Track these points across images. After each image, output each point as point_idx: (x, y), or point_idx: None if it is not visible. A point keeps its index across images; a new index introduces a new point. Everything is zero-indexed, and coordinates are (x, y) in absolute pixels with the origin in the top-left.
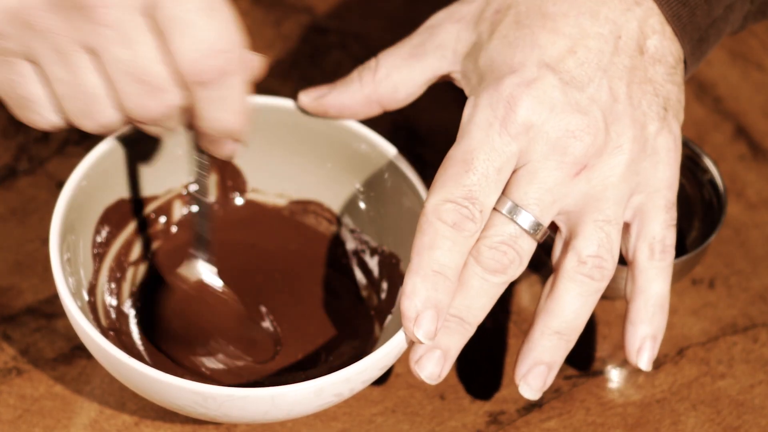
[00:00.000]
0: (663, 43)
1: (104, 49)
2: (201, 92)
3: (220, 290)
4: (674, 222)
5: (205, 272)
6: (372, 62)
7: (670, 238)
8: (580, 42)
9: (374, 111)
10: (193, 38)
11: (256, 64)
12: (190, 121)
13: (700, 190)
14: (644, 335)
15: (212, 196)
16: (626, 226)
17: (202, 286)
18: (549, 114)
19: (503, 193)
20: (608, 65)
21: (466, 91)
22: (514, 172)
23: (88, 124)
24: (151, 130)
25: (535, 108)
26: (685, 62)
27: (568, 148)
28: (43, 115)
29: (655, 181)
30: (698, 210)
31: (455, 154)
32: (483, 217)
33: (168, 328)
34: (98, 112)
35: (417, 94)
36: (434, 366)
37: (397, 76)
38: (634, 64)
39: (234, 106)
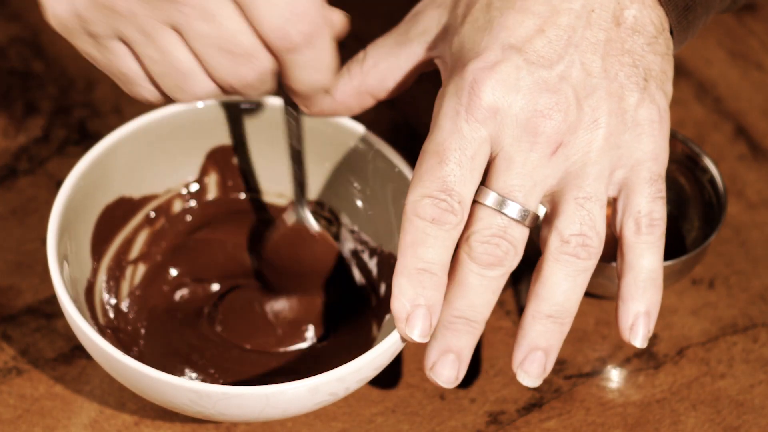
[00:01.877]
0: (643, 12)
1: (188, 26)
2: (289, 56)
3: (318, 233)
4: (662, 194)
5: (305, 217)
6: (360, 54)
7: (658, 211)
8: (549, 20)
9: (367, 103)
10: (275, 5)
11: (339, 20)
12: (281, 80)
13: (700, 190)
14: (636, 312)
15: (301, 141)
16: (614, 202)
17: (301, 229)
18: (515, 95)
19: (485, 184)
20: (580, 40)
21: (443, 78)
22: (491, 161)
23: (185, 97)
24: (248, 94)
25: (500, 90)
26: (672, 33)
27: (538, 128)
28: (146, 89)
29: (638, 153)
30: (698, 210)
31: (428, 147)
32: (463, 208)
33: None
34: (193, 86)
35: (407, 83)
36: (450, 370)
37: (384, 64)
38: (610, 36)
39: (323, 65)
